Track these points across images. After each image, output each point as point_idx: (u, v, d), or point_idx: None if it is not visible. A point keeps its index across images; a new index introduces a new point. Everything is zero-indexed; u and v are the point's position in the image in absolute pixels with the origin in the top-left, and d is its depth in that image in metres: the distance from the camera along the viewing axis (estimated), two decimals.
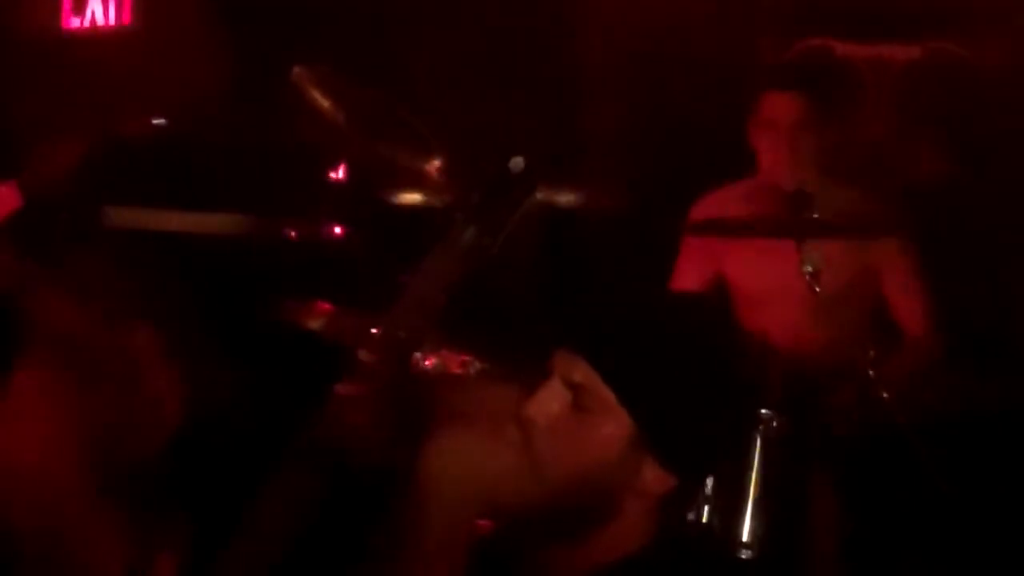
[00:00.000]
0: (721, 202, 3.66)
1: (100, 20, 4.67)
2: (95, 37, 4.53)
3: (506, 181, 2.15)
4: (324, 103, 3.14)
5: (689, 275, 3.72)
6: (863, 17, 4.08)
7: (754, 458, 3.05)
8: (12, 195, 3.26)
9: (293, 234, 3.69)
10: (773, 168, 3.51)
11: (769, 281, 3.54)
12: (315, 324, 3.23)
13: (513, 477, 1.63)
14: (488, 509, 1.64)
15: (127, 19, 4.75)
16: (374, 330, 2.23)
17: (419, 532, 1.61)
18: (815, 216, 3.21)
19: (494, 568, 1.69)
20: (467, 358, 2.84)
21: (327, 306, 3.27)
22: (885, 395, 3.18)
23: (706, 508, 3.00)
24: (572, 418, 1.67)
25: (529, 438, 1.65)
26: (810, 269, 3.10)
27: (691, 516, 2.94)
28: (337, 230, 3.70)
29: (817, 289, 3.11)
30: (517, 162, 2.16)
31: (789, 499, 3.14)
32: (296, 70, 3.10)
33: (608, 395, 1.66)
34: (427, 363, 2.93)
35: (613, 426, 1.66)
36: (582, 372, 1.67)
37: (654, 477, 1.69)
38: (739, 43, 4.09)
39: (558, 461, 1.65)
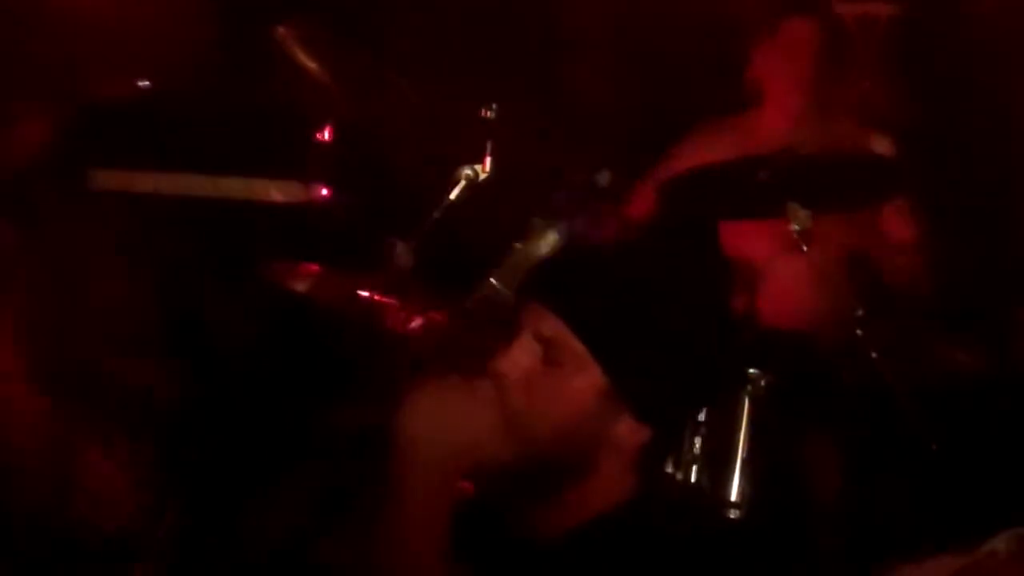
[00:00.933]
0: (709, 139, 3.65)
1: None
2: (81, 1, 4.49)
3: (592, 192, 2.16)
4: (309, 62, 3.12)
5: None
6: None
7: (742, 418, 3.05)
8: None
9: (279, 196, 3.67)
10: (780, 96, 3.51)
11: (757, 229, 3.53)
12: (302, 286, 3.22)
13: (489, 434, 1.64)
14: (466, 468, 1.63)
15: None
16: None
17: (401, 495, 1.60)
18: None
19: (475, 529, 1.68)
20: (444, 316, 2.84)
21: (314, 267, 3.26)
22: (874, 354, 3.18)
23: (694, 467, 3.01)
24: (544, 373, 1.67)
25: (502, 394, 1.65)
26: (797, 228, 3.09)
27: (679, 475, 2.97)
28: (323, 191, 3.68)
29: (805, 248, 3.10)
30: (604, 176, 2.17)
31: (778, 459, 3.14)
32: (280, 29, 3.08)
33: (579, 348, 1.66)
34: (413, 323, 2.93)
35: (585, 379, 1.66)
36: (551, 326, 1.67)
37: (628, 430, 1.69)
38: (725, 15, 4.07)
39: (532, 416, 1.65)
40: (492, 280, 2.59)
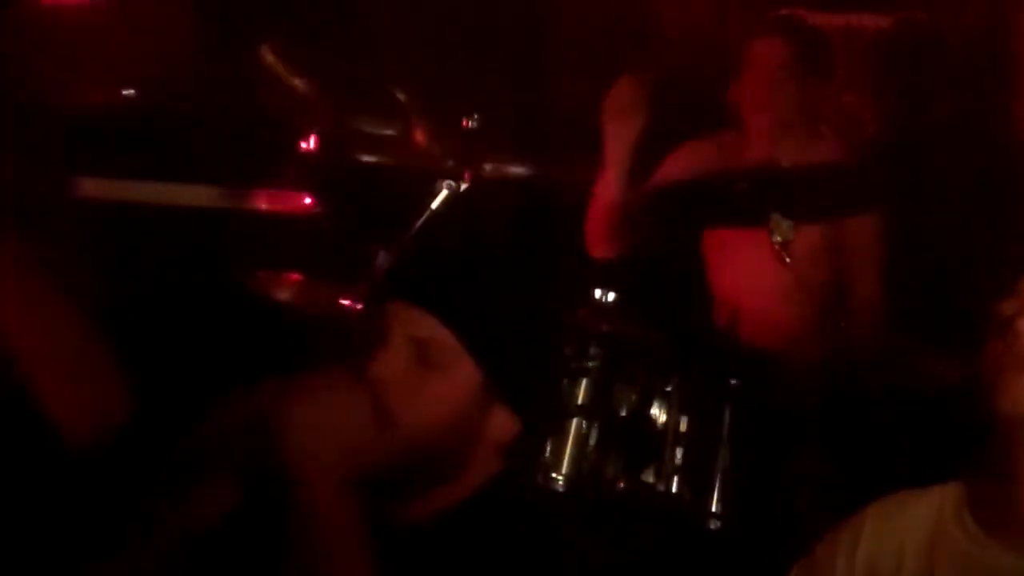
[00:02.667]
0: (691, 157, 3.66)
1: None
2: (66, 10, 4.50)
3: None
4: (293, 74, 3.13)
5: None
6: None
7: (724, 429, 3.06)
8: None
9: (263, 205, 3.67)
10: (755, 116, 3.53)
11: (738, 241, 3.55)
12: (285, 295, 3.22)
13: (367, 435, 1.62)
14: (355, 472, 1.61)
15: None
16: None
17: (307, 510, 1.59)
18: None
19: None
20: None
21: (297, 277, 3.25)
22: (856, 364, 3.19)
23: (675, 478, 3.01)
24: (417, 373, 1.65)
25: (378, 398, 1.63)
26: (779, 239, 3.10)
27: (659, 486, 2.97)
28: (307, 200, 3.68)
29: (787, 259, 3.11)
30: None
31: (759, 469, 3.14)
32: (265, 42, 3.09)
33: (453, 344, 1.65)
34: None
35: (460, 376, 1.66)
36: (424, 325, 1.66)
37: (501, 423, 1.69)
38: (712, 19, 4.08)
39: (409, 416, 1.64)
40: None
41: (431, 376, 1.65)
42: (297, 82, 3.11)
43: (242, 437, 1.73)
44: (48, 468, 2.11)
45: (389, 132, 3.22)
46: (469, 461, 1.69)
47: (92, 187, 3.94)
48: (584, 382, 2.91)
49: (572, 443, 2.85)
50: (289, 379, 1.69)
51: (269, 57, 3.07)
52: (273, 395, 1.68)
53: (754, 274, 3.44)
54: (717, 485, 3.02)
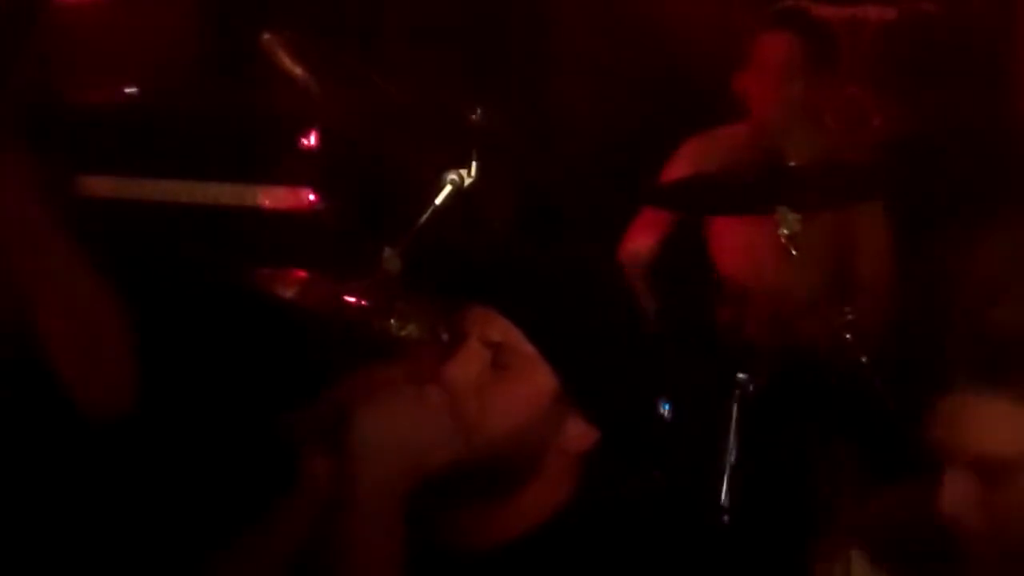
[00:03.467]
0: (699, 152, 3.66)
1: None
2: (68, 7, 4.49)
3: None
4: (295, 69, 3.11)
5: (658, 222, 3.71)
6: None
7: (731, 423, 3.05)
8: None
9: (266, 202, 3.66)
10: (762, 110, 3.52)
11: (745, 235, 3.54)
12: (288, 292, 3.21)
13: (440, 442, 1.60)
14: (418, 476, 1.60)
15: None
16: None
17: (352, 507, 1.57)
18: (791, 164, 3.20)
19: (418, 534, 1.65)
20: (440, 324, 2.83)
21: (300, 274, 3.25)
22: (864, 359, 3.18)
23: (684, 473, 3.01)
24: (493, 377, 1.63)
25: (453, 401, 1.62)
26: (786, 232, 3.09)
27: (667, 481, 2.96)
28: (310, 197, 3.67)
29: (794, 252, 3.10)
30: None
31: (768, 463, 3.13)
32: (266, 36, 3.07)
33: (529, 350, 1.63)
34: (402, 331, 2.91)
35: (535, 382, 1.64)
36: (500, 329, 1.64)
37: (577, 433, 1.67)
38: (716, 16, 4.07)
39: (483, 422, 1.62)
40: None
41: (505, 380, 1.63)
42: (299, 76, 3.09)
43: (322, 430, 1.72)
44: (66, 437, 2.17)
45: (391, 126, 3.20)
46: (540, 471, 1.66)
47: (95, 184, 3.93)
48: None
49: None
50: (368, 375, 1.69)
51: (271, 51, 3.05)
52: (353, 389, 1.67)
53: (760, 266, 3.43)
54: (726, 480, 3.02)
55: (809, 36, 3.54)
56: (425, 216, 2.96)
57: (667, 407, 3.07)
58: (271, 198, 3.73)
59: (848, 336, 3.16)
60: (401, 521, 1.59)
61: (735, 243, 3.62)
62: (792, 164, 3.19)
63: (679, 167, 3.63)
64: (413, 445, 1.59)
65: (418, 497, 1.61)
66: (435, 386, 1.62)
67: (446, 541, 1.68)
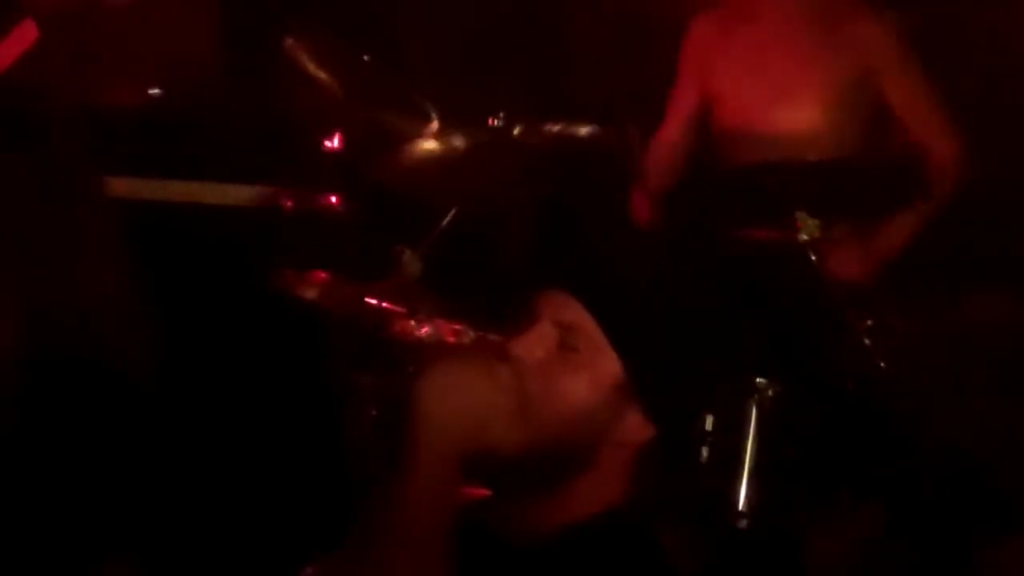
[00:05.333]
0: (710, 24, 3.70)
1: None
2: (93, 10, 4.52)
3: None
4: (318, 72, 3.13)
5: (682, 104, 3.74)
6: None
7: (750, 426, 3.05)
8: (31, 29, 3.24)
9: (288, 203, 3.68)
10: None
11: (760, 97, 3.55)
12: (310, 293, 3.22)
13: (501, 416, 1.62)
14: (475, 448, 1.61)
15: None
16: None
17: (409, 469, 1.59)
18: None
19: (471, 525, 1.67)
20: (460, 327, 2.84)
21: (322, 275, 3.26)
22: (882, 364, 3.17)
23: (703, 477, 3.01)
24: (560, 359, 1.66)
25: (518, 378, 1.64)
26: (806, 237, 3.08)
27: (685, 484, 2.96)
28: (332, 199, 3.68)
29: (814, 257, 3.09)
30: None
31: (786, 467, 3.13)
32: (289, 40, 3.09)
33: (599, 337, 1.65)
34: (422, 331, 2.93)
35: (601, 368, 1.66)
36: (574, 312, 1.66)
37: (635, 426, 1.68)
38: None
39: (545, 401, 1.64)
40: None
41: (571, 362, 1.65)
42: (323, 79, 3.11)
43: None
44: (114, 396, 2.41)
45: (413, 132, 3.21)
46: (595, 462, 1.67)
47: (119, 186, 3.96)
48: None
49: None
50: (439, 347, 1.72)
51: (295, 54, 3.07)
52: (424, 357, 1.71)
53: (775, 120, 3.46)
54: (744, 483, 3.02)
55: None
56: (446, 219, 2.97)
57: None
58: (293, 200, 3.75)
59: (868, 341, 3.16)
60: (454, 491, 1.61)
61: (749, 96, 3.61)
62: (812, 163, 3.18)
63: (693, 50, 3.69)
64: (475, 414, 1.61)
65: (472, 476, 1.63)
66: (503, 362, 1.65)
67: (494, 529, 1.69)
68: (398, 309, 2.95)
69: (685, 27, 3.79)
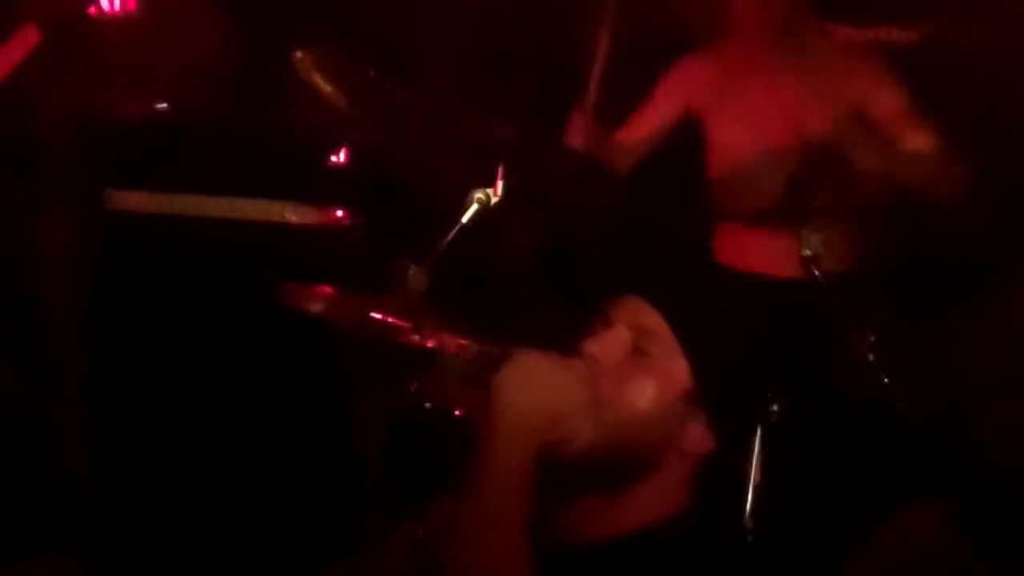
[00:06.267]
0: (697, 66, 3.71)
1: (106, 7, 4.67)
2: (101, 23, 4.54)
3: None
4: (325, 86, 3.13)
5: (656, 111, 3.73)
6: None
7: (755, 443, 3.05)
8: (32, 34, 3.28)
9: (294, 218, 3.69)
10: (750, 18, 3.53)
11: (754, 133, 3.56)
12: (316, 308, 3.23)
13: (576, 411, 1.67)
14: (550, 440, 1.65)
15: (132, 6, 4.76)
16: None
17: (487, 457, 1.63)
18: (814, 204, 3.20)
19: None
20: (464, 342, 2.84)
21: (328, 289, 3.27)
22: (885, 379, 3.17)
23: (708, 494, 3.01)
24: (633, 362, 1.71)
25: (592, 376, 1.69)
26: (808, 253, 3.09)
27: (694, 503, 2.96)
28: (338, 213, 3.69)
29: (816, 273, 3.10)
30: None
31: (791, 485, 3.13)
32: (297, 53, 3.10)
33: (673, 344, 1.71)
34: (427, 345, 2.93)
35: (671, 374, 1.71)
36: (650, 318, 1.72)
37: (698, 436, 1.71)
38: None
39: (616, 400, 1.69)
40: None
41: (643, 366, 1.70)
42: (330, 94, 3.12)
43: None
44: None
45: (420, 144, 3.22)
46: (657, 469, 1.71)
47: (126, 199, 3.97)
48: None
49: None
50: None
51: (302, 68, 3.08)
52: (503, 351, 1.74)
53: (768, 156, 3.46)
54: (750, 500, 3.02)
55: None
56: (451, 234, 2.97)
57: None
58: (300, 214, 3.76)
59: (871, 357, 3.16)
60: (529, 482, 1.64)
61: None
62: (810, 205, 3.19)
63: (667, 90, 3.69)
64: (550, 407, 1.65)
65: (540, 477, 1.65)
66: (579, 359, 1.70)
67: (555, 532, 1.71)
68: (403, 323, 2.95)
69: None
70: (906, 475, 3.19)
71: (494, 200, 2.93)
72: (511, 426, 1.63)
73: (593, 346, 1.72)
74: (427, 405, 2.88)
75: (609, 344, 1.72)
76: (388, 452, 2.98)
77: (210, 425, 3.75)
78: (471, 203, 2.96)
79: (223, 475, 3.64)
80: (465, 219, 2.95)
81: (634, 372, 1.70)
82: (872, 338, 3.17)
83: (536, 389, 1.65)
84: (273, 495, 3.64)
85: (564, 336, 1.81)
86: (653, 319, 1.71)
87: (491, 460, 1.63)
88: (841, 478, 3.25)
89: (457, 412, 2.82)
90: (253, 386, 3.78)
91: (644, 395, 1.70)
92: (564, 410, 1.66)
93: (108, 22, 4.49)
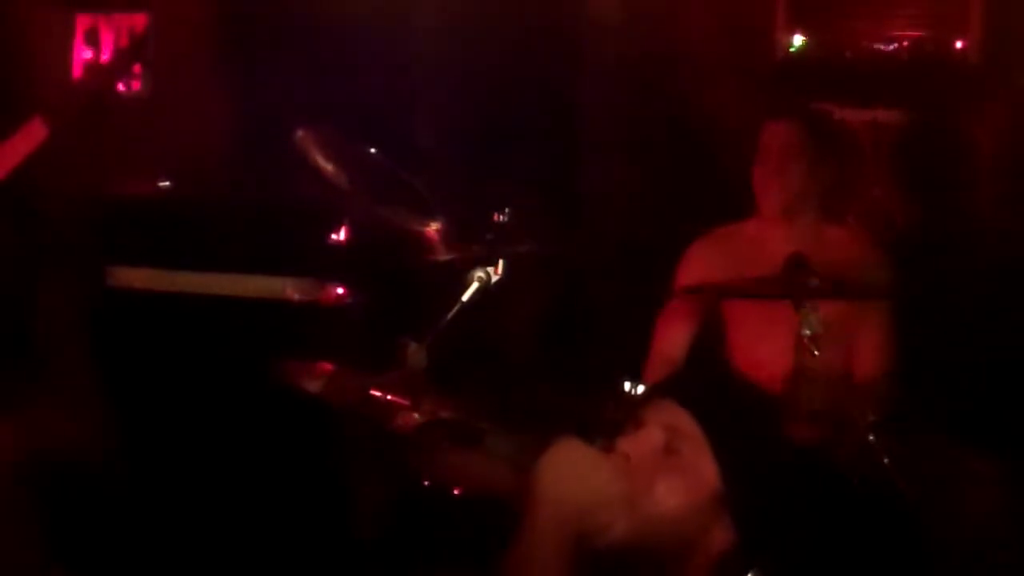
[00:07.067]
0: (711, 247, 3.70)
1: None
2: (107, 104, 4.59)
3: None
4: (326, 165, 3.16)
5: (679, 318, 3.73)
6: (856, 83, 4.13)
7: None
8: (39, 128, 3.31)
9: (295, 295, 3.70)
10: (765, 200, 3.56)
11: (765, 329, 3.55)
12: (315, 385, 3.23)
13: (610, 503, 1.70)
14: (584, 531, 1.68)
15: (137, 86, 4.82)
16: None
17: (527, 540, 1.68)
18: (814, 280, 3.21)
19: None
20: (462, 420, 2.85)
21: (327, 367, 3.26)
22: (885, 460, 3.16)
23: None
24: (664, 461, 1.74)
25: (624, 472, 1.73)
26: (808, 333, 3.09)
27: None
28: (338, 291, 3.71)
29: (816, 352, 3.10)
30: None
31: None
32: (299, 132, 3.13)
33: (703, 444, 1.74)
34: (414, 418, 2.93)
35: (701, 474, 1.74)
36: (682, 418, 1.76)
37: (721, 536, 1.72)
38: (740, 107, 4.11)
39: (647, 497, 1.72)
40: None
41: (674, 466, 1.74)
42: (331, 172, 3.14)
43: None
44: None
45: (418, 226, 3.24)
46: (684, 565, 1.74)
47: (127, 275, 3.98)
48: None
49: None
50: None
51: (304, 147, 3.10)
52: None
53: (775, 359, 3.43)
54: None
55: (810, 124, 3.58)
56: (452, 312, 2.98)
57: None
58: (301, 291, 3.77)
59: (872, 438, 3.15)
60: (567, 568, 1.68)
61: (749, 333, 3.63)
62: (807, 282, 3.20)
63: (691, 271, 3.67)
64: (589, 494, 1.69)
65: (576, 567, 1.68)
66: (614, 456, 1.75)
67: None
68: (402, 401, 2.95)
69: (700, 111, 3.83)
70: (903, 555, 3.17)
71: (495, 279, 2.94)
72: (551, 510, 1.68)
73: (626, 444, 1.76)
74: (426, 483, 2.87)
75: (642, 443, 1.76)
76: (387, 529, 2.97)
77: (209, 503, 3.73)
78: (472, 281, 2.98)
79: (223, 557, 3.62)
80: (465, 297, 2.96)
81: (665, 471, 1.74)
82: (871, 419, 3.16)
83: (576, 476, 1.70)
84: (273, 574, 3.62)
85: (563, 412, 1.84)
86: (685, 420, 1.76)
87: (531, 543, 1.67)
88: (841, 557, 3.23)
89: (456, 491, 2.81)
90: (252, 464, 3.77)
91: (674, 493, 1.73)
92: (602, 499, 1.70)
93: (114, 103, 4.54)
